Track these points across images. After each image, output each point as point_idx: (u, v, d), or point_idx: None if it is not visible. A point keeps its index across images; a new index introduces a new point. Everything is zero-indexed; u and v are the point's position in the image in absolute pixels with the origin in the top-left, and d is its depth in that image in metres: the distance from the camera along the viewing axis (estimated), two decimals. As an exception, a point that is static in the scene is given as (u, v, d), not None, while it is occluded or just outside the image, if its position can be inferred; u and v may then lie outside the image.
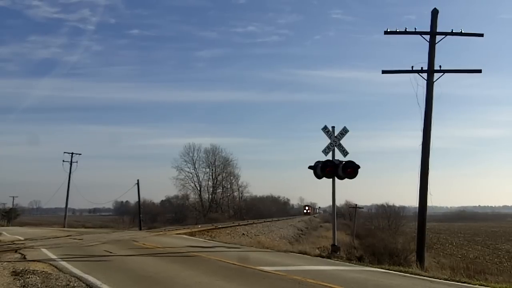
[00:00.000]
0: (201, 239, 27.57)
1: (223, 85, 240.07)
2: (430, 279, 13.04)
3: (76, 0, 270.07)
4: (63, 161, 64.27)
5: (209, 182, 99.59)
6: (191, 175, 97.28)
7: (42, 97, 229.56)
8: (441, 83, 21.80)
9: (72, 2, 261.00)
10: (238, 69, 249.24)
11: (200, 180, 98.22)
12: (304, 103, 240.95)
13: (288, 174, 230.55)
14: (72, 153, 64.50)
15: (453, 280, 13.02)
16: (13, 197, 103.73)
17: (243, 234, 42.69)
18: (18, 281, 11.71)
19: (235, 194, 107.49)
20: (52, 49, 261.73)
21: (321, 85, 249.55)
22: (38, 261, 15.63)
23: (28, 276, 12.24)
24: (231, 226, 47.60)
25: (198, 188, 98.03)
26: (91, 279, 11.75)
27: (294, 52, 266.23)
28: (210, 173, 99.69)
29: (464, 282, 12.83)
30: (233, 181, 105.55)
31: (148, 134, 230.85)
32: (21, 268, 13.66)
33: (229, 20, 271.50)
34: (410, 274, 13.96)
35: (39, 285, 11.13)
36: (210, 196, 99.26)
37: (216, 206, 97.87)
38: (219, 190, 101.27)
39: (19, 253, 18.52)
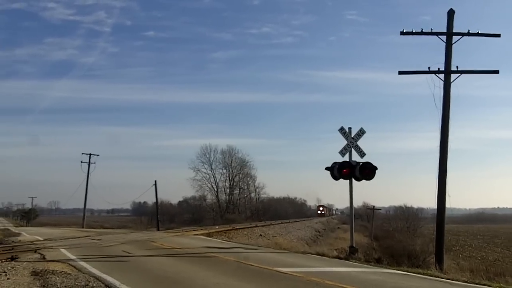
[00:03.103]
0: (218, 240, 27.67)
1: (238, 86, 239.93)
2: (449, 281, 12.98)
3: (91, 2, 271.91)
4: (81, 162, 64.48)
5: (226, 183, 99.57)
6: (208, 176, 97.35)
7: (59, 98, 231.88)
8: (458, 83, 21.71)
9: (87, 4, 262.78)
10: (253, 71, 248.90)
11: (217, 181, 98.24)
12: (319, 104, 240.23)
13: (304, 175, 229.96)
14: (90, 154, 64.73)
15: (472, 283, 12.95)
16: (32, 197, 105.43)
17: (260, 235, 42.73)
18: (38, 281, 11.87)
19: (252, 195, 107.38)
20: (68, 50, 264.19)
21: (336, 86, 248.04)
22: (58, 261, 15.82)
23: (47, 276, 12.40)
24: (248, 227, 47.65)
25: (215, 189, 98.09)
26: (109, 279, 11.86)
27: (309, 53, 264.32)
28: (227, 174, 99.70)
29: (484, 285, 12.74)
30: (249, 182, 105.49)
31: (164, 135, 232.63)
32: (40, 268, 13.85)
33: (244, 21, 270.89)
34: (429, 276, 13.91)
35: (59, 285, 11.24)
36: (227, 197, 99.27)
37: (233, 207, 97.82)
38: (236, 191, 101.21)
39: (39, 253, 18.71)
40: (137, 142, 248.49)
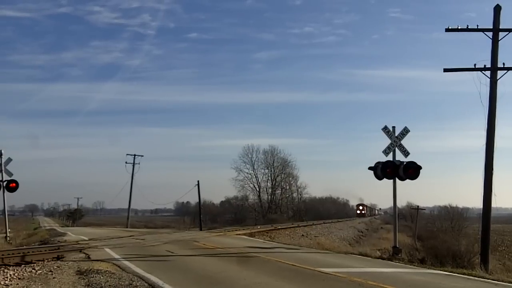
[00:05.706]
0: (260, 240, 27.75)
1: (281, 86, 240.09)
2: (495, 282, 12.73)
3: (136, 6, 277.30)
4: (126, 162, 65.30)
5: (268, 183, 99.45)
6: (250, 176, 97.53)
7: (105, 100, 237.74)
8: (505, 81, 21.30)
9: (132, 8, 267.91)
10: (295, 70, 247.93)
11: (259, 181, 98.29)
12: (362, 103, 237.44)
13: (347, 175, 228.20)
14: (135, 155, 65.51)
15: (519, 284, 12.66)
16: (78, 198, 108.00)
17: (302, 235, 42.67)
18: (82, 280, 12.20)
19: (294, 195, 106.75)
20: (114, 54, 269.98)
21: (379, 85, 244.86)
22: (102, 260, 16.15)
23: (92, 275, 12.71)
24: (290, 227, 47.63)
25: (257, 189, 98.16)
26: (153, 278, 12.08)
27: (352, 52, 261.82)
28: (269, 174, 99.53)
29: (531, 286, 12.45)
30: (292, 182, 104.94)
31: (207, 136, 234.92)
32: (85, 268, 14.19)
33: (286, 21, 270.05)
34: (474, 276, 13.66)
35: (103, 284, 11.51)
36: (269, 197, 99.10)
37: (275, 207, 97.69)
38: (278, 191, 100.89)
39: (84, 252, 19.11)
40: (180, 143, 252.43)
